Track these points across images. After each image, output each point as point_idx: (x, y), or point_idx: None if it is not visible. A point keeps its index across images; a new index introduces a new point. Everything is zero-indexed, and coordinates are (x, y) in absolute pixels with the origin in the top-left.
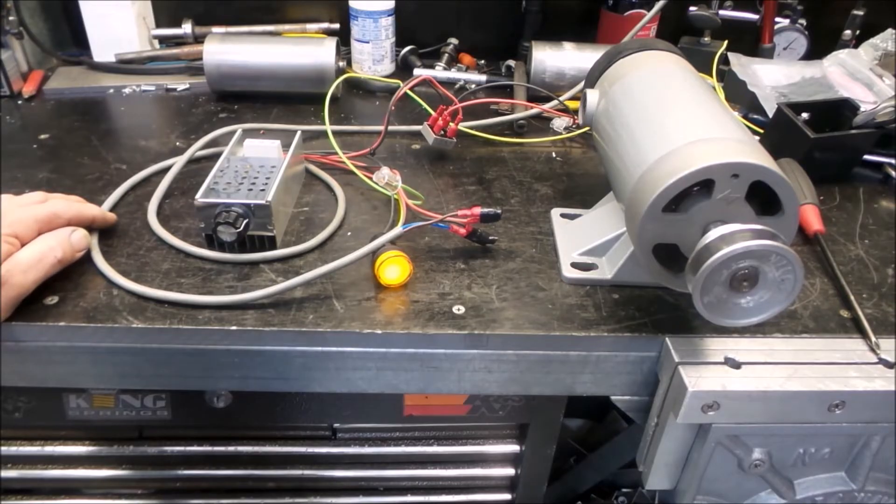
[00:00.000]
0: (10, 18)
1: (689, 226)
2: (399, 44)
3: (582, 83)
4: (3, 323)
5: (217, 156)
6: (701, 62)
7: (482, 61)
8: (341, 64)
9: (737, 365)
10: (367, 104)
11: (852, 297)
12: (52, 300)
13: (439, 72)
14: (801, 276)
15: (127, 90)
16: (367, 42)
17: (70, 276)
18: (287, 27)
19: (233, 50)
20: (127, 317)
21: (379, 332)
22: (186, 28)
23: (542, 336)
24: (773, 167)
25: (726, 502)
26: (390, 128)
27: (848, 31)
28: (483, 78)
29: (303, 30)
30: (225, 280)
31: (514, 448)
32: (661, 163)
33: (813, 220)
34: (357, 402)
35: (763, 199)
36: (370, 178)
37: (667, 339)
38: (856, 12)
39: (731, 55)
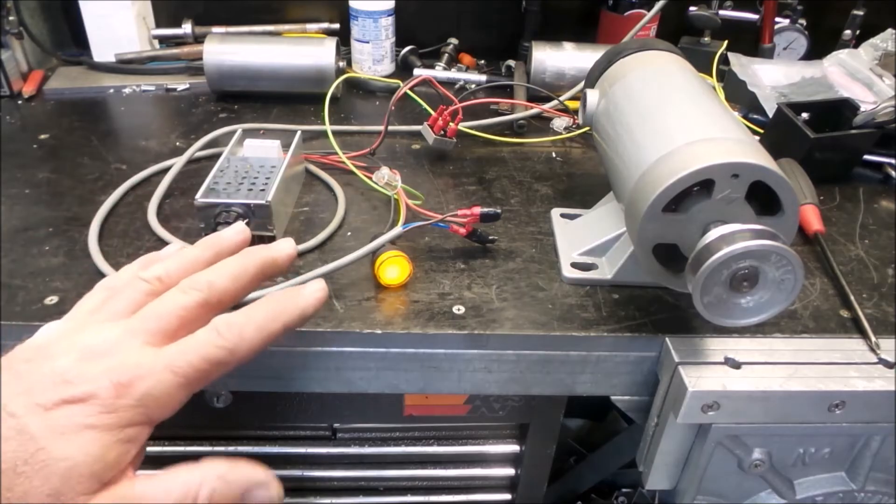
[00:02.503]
0: (10, 18)
1: (689, 226)
2: (399, 44)
3: (582, 83)
4: (3, 323)
5: (217, 156)
6: (701, 62)
7: (482, 61)
8: (341, 64)
9: (737, 365)
10: (367, 104)
11: (852, 297)
12: (52, 300)
13: (439, 72)
14: (801, 276)
15: (127, 90)
16: (367, 42)
17: (70, 275)
18: (287, 27)
19: (233, 50)
20: None
21: (379, 332)
22: (186, 28)
23: (542, 336)
24: (773, 167)
25: (726, 502)
26: (390, 128)
27: (848, 31)
28: (483, 78)
29: (303, 30)
30: None
31: (514, 448)
32: (661, 163)
33: (813, 220)
34: (357, 402)
35: (763, 199)
36: (370, 178)
37: (667, 339)
38: (856, 12)
39: (731, 55)
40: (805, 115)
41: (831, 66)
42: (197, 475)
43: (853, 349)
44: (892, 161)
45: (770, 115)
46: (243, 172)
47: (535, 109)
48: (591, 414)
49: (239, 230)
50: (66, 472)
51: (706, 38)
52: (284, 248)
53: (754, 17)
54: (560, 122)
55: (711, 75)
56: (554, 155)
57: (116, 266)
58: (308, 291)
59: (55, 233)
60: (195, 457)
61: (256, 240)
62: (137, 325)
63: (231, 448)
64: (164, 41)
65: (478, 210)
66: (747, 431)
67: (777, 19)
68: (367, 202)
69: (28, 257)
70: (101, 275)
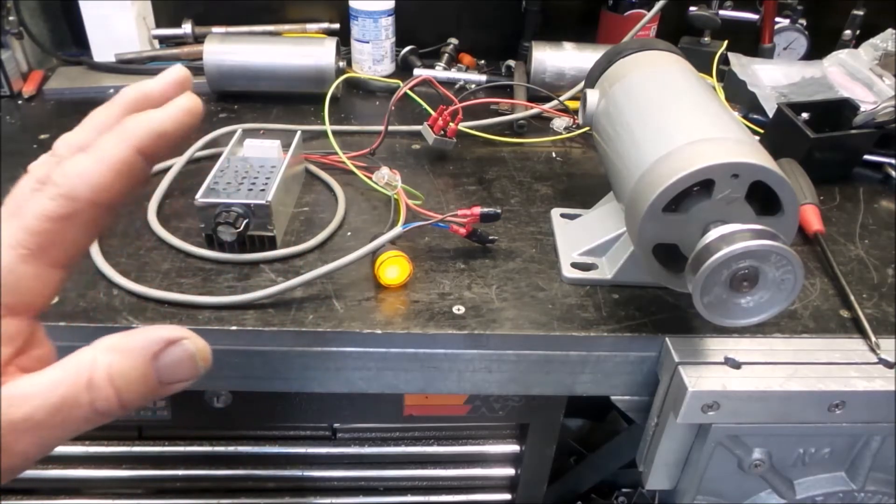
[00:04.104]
0: (10, 18)
1: (689, 226)
2: (399, 44)
3: (582, 83)
4: None
5: (217, 156)
6: (701, 62)
7: (482, 61)
8: (341, 64)
9: (737, 365)
10: (367, 104)
11: (852, 297)
12: (53, 300)
13: (439, 72)
14: (801, 276)
15: None
16: (367, 42)
17: (70, 275)
18: (287, 27)
19: (233, 50)
20: (127, 317)
21: (379, 332)
22: (186, 28)
23: (542, 336)
24: (773, 167)
25: (726, 502)
26: (390, 128)
27: (848, 31)
28: (483, 78)
29: (303, 30)
30: (225, 280)
31: (514, 448)
32: (661, 163)
33: (813, 220)
34: (357, 402)
35: (763, 199)
36: (370, 178)
37: (667, 339)
38: (856, 12)
39: (731, 55)
40: (805, 115)
41: (831, 66)
42: (87, 355)
43: (853, 349)
44: (892, 161)
45: (770, 115)
46: (243, 172)
47: (535, 109)
48: (591, 414)
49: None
50: None
51: (706, 38)
52: (167, 73)
53: (754, 17)
54: (560, 122)
55: (711, 75)
56: (554, 155)
57: (117, 266)
58: (171, 103)
59: None
60: (195, 457)
61: (256, 240)
62: None
63: (231, 448)
64: (164, 41)
65: (478, 210)
66: (747, 431)
67: (777, 19)
68: (367, 202)
69: None
70: (102, 274)
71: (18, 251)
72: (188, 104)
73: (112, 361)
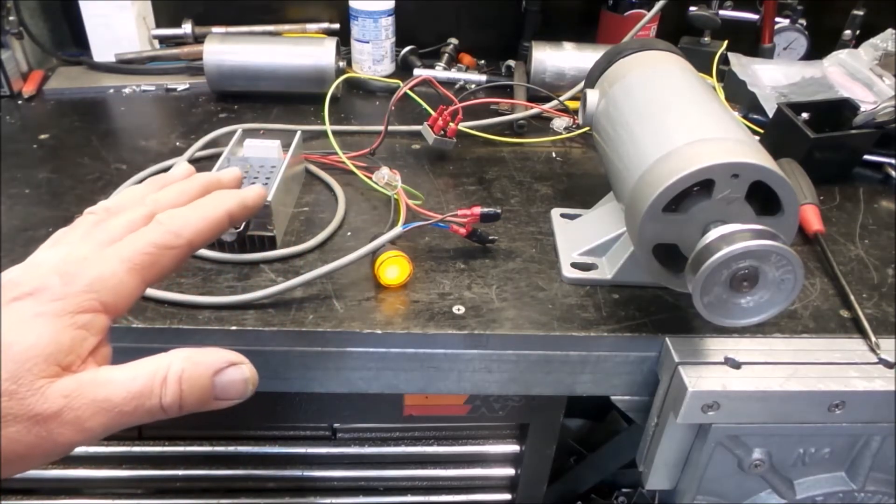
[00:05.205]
0: (10, 18)
1: (689, 226)
2: (399, 44)
3: (582, 83)
4: None
5: (217, 156)
6: (701, 62)
7: (482, 61)
8: (341, 64)
9: (737, 365)
10: (367, 104)
11: (852, 297)
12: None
13: (439, 72)
14: (801, 276)
15: (127, 90)
16: (367, 42)
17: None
18: (287, 27)
19: (233, 50)
20: (127, 317)
21: (379, 332)
22: (186, 28)
23: (542, 336)
24: (773, 167)
25: (726, 502)
26: (390, 128)
27: (848, 31)
28: (483, 78)
29: (303, 30)
30: (225, 280)
31: (514, 448)
32: (661, 163)
33: (813, 220)
34: (357, 402)
35: (763, 199)
36: (370, 178)
37: (667, 339)
38: (856, 12)
39: (731, 55)
40: (805, 115)
41: (831, 66)
42: (165, 359)
43: (853, 349)
44: (892, 161)
45: (770, 115)
46: (243, 172)
47: (535, 109)
48: (591, 414)
49: (185, 169)
50: (19, 355)
51: (706, 38)
52: (229, 171)
53: (754, 17)
54: (560, 122)
55: (711, 75)
56: (554, 155)
57: None
58: (249, 188)
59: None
60: (195, 457)
61: (256, 240)
62: (87, 239)
63: (231, 448)
64: (164, 41)
65: (478, 210)
66: (747, 431)
67: (777, 19)
68: (367, 202)
69: (28, 257)
70: None
71: (128, 264)
72: (261, 191)
73: (185, 367)
